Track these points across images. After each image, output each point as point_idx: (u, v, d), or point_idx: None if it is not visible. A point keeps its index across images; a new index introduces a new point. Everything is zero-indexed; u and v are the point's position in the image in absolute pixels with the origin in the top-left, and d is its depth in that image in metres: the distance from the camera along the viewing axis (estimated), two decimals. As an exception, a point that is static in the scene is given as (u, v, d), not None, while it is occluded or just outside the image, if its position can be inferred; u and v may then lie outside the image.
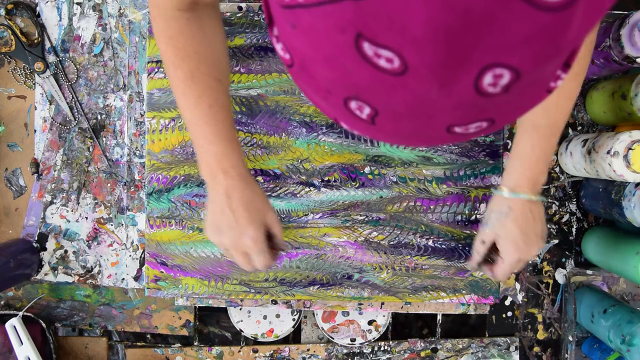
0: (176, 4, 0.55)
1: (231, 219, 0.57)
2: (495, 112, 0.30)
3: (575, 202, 0.78)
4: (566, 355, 0.75)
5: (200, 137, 0.57)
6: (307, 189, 0.73)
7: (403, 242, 0.73)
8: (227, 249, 0.59)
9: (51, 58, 0.79)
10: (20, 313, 0.76)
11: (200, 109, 0.56)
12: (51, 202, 0.80)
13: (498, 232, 0.61)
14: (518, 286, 0.79)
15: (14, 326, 0.74)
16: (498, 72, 0.26)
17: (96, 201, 0.79)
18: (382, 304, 0.76)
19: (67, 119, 0.79)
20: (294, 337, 0.87)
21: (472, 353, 0.79)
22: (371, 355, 0.80)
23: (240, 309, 0.79)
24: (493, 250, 0.63)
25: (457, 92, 0.27)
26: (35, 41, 0.78)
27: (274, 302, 0.76)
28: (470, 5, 0.23)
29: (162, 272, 0.74)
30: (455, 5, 0.23)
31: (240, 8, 0.76)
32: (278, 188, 0.73)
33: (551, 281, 0.79)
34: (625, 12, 0.62)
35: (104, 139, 0.79)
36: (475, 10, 0.24)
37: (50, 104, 0.79)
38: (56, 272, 0.80)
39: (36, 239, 0.80)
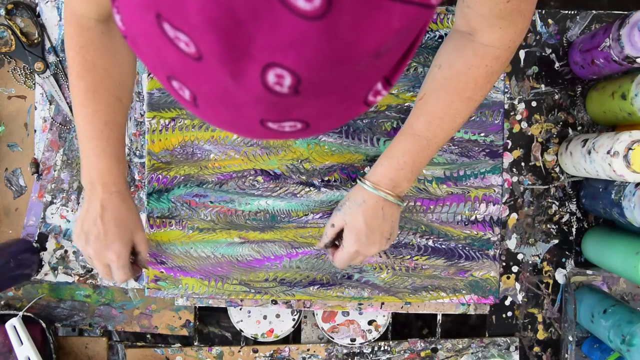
0: (94, 13, 0.54)
1: (100, 231, 0.60)
2: (304, 115, 0.31)
3: (575, 202, 0.78)
4: (566, 355, 0.75)
5: (89, 149, 0.59)
6: (307, 189, 0.73)
7: (403, 242, 0.73)
8: (90, 257, 0.62)
9: (51, 58, 0.79)
10: (20, 313, 0.76)
11: (94, 124, 0.58)
12: (51, 202, 0.80)
13: (346, 220, 0.62)
14: (518, 286, 0.79)
15: (14, 326, 0.74)
16: (278, 72, 0.26)
17: (96, 201, 0.79)
18: (382, 304, 0.76)
19: (67, 119, 0.79)
20: (294, 337, 0.87)
21: (472, 353, 0.79)
22: (371, 355, 0.80)
23: (240, 309, 0.79)
24: (341, 236, 0.64)
25: (249, 86, 0.27)
26: (35, 41, 0.78)
27: (274, 302, 0.76)
28: (235, 3, 0.24)
29: (162, 272, 0.74)
30: (220, 0, 0.24)
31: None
32: (278, 188, 0.73)
33: (551, 281, 0.79)
34: (625, 12, 0.62)
35: (104, 139, 0.79)
36: (239, 8, 0.24)
37: (50, 104, 0.79)
38: (56, 272, 0.80)
39: (36, 239, 0.80)
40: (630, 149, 0.61)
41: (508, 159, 0.78)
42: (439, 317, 0.80)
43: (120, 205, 0.61)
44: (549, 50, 0.77)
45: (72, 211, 0.79)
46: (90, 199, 0.60)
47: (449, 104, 0.56)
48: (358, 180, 0.63)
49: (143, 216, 0.79)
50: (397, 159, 0.59)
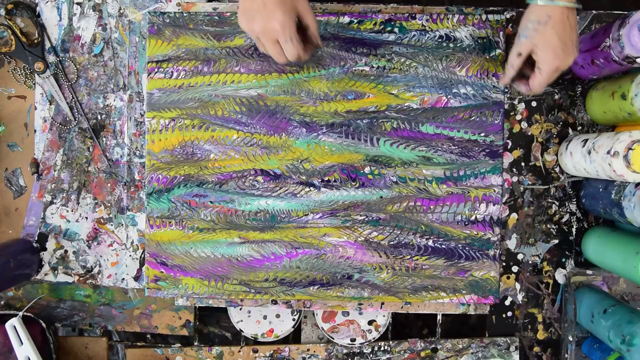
0: None
1: (260, 3, 0.58)
2: None
3: (575, 202, 0.78)
4: (566, 355, 0.75)
5: None
6: (307, 189, 0.73)
7: (403, 242, 0.73)
8: (258, 37, 0.60)
9: (51, 58, 0.79)
10: (20, 313, 0.76)
11: None
12: (51, 202, 0.80)
13: (536, 41, 0.61)
14: (518, 286, 0.79)
15: (14, 326, 0.74)
16: None
17: (96, 201, 0.79)
18: (382, 304, 0.76)
19: (67, 119, 0.79)
20: (294, 337, 0.87)
21: (472, 353, 0.79)
22: (371, 355, 0.80)
23: (240, 309, 0.79)
24: (526, 64, 0.64)
25: None
26: (35, 41, 0.78)
27: (274, 302, 0.76)
28: None
29: (162, 272, 0.74)
30: None
31: (240, 8, 0.76)
32: (278, 188, 0.73)
33: (551, 281, 0.79)
34: (625, 12, 0.62)
35: (104, 139, 0.79)
36: None
37: (50, 104, 0.79)
38: (56, 272, 0.80)
39: (36, 239, 0.80)
40: (630, 149, 0.61)
41: (508, 159, 0.78)
42: (439, 317, 0.80)
43: None
44: (549, 50, 0.77)
45: (72, 211, 0.79)
46: None
47: None
48: (532, 1, 0.61)
49: (143, 216, 0.79)
50: None
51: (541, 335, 0.80)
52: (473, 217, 0.73)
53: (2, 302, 0.81)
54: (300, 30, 0.61)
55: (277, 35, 0.59)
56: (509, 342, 0.79)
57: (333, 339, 0.79)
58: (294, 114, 0.73)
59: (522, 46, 0.62)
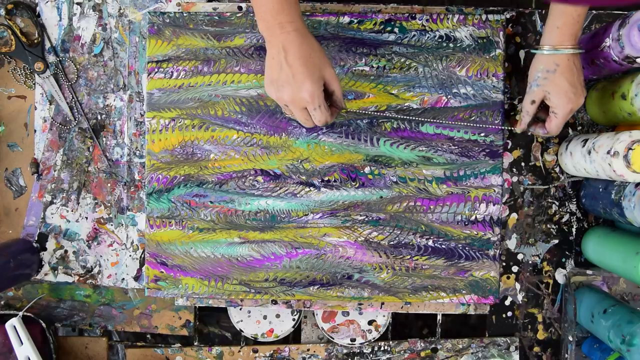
0: None
1: (289, 74, 0.59)
2: None
3: (575, 202, 0.78)
4: (566, 355, 0.75)
5: None
6: (307, 189, 0.73)
7: (403, 242, 0.73)
8: (287, 104, 0.61)
9: (51, 58, 0.79)
10: (20, 313, 0.76)
11: None
12: (51, 202, 0.80)
13: (548, 89, 0.64)
14: (518, 286, 0.79)
15: (14, 326, 0.74)
16: None
17: (96, 201, 0.79)
18: (382, 304, 0.76)
19: (67, 119, 0.79)
20: (294, 337, 0.87)
21: (472, 353, 0.79)
22: (371, 355, 0.80)
23: (240, 309, 0.79)
24: (539, 108, 0.67)
25: None
26: (35, 41, 0.78)
27: (274, 302, 0.76)
28: None
29: (162, 272, 0.74)
30: None
31: (240, 8, 0.76)
32: (278, 188, 0.73)
33: (551, 281, 0.79)
34: (625, 12, 0.62)
35: (104, 139, 0.79)
36: None
37: (50, 104, 0.79)
38: (56, 272, 0.80)
39: (36, 239, 0.80)
40: (630, 149, 0.61)
41: (508, 159, 0.78)
42: (439, 317, 0.80)
43: (302, 43, 0.59)
44: (549, 50, 0.77)
45: (72, 211, 0.79)
46: (271, 45, 0.59)
47: None
48: (534, 51, 0.65)
49: (143, 216, 0.79)
50: (572, 14, 0.61)
51: (541, 335, 0.80)
52: (473, 217, 0.73)
53: (2, 302, 0.81)
54: (326, 95, 0.62)
55: (306, 104, 0.60)
56: (509, 342, 0.79)
57: (333, 339, 0.79)
58: (294, 114, 0.73)
59: (535, 94, 0.65)
